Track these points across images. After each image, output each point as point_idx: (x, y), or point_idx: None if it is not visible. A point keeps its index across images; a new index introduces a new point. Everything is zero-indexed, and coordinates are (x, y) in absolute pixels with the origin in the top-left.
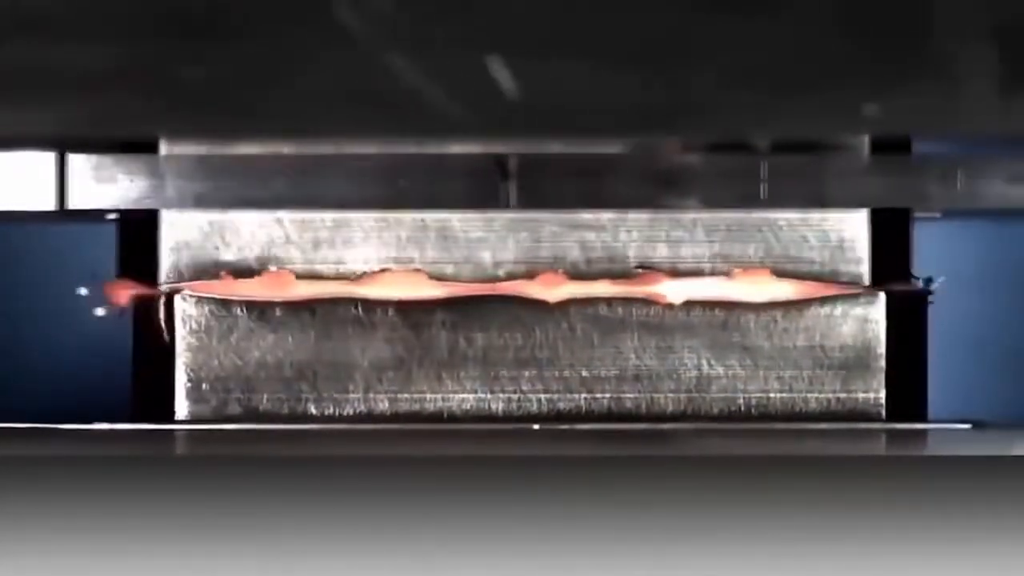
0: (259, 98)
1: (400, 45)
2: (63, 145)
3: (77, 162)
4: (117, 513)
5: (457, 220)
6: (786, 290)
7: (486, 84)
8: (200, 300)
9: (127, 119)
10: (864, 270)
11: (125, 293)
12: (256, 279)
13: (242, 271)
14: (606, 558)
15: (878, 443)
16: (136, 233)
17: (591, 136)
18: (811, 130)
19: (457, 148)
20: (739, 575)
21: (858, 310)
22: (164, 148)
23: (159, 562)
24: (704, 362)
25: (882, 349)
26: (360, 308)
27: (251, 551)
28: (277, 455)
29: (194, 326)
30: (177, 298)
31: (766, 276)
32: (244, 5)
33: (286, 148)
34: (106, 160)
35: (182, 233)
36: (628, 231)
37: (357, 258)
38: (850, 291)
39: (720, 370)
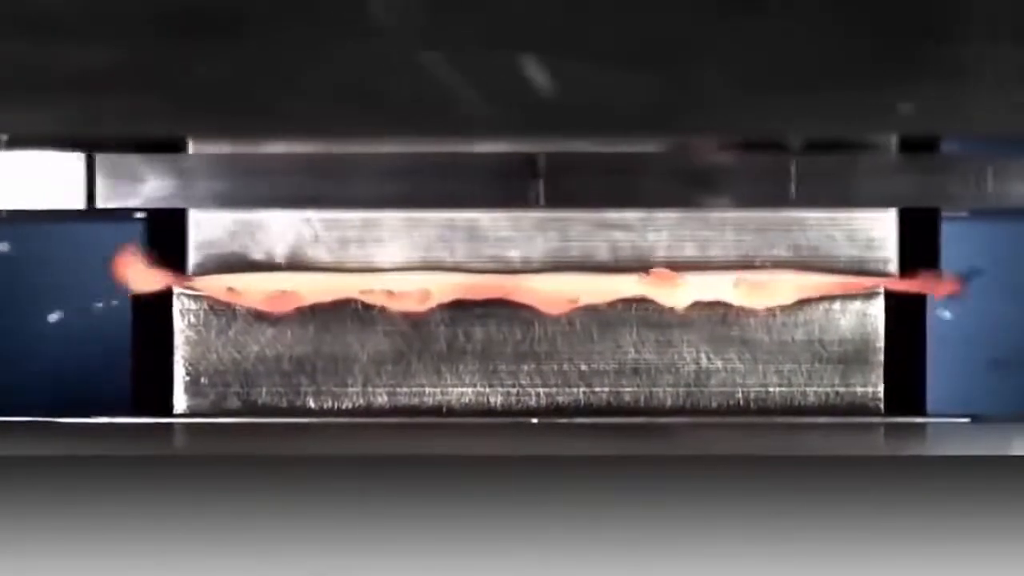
0: (283, 96)
1: (428, 43)
2: (91, 146)
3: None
4: (117, 513)
5: (487, 219)
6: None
7: (514, 82)
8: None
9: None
10: (892, 268)
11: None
12: (266, 297)
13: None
14: (606, 558)
15: (877, 437)
16: (162, 231)
17: (619, 135)
18: (837, 129)
19: (485, 147)
20: (739, 575)
21: (857, 304)
22: (192, 148)
23: (160, 561)
24: (703, 356)
25: (881, 343)
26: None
27: (251, 551)
28: (277, 454)
29: (192, 320)
30: (176, 294)
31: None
32: (259, 2)
33: (313, 147)
34: (132, 159)
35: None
36: (657, 230)
37: (384, 257)
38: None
39: (719, 364)
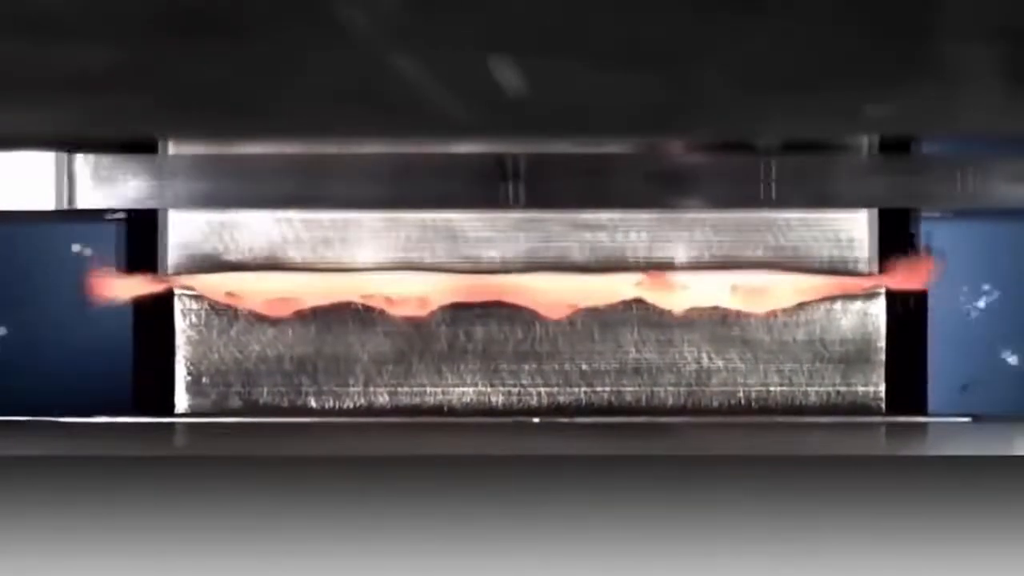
0: (261, 98)
1: (404, 45)
2: (68, 145)
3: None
4: (117, 513)
5: (462, 220)
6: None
7: (489, 84)
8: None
9: (130, 119)
10: (871, 268)
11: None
12: (263, 301)
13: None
14: (606, 558)
15: (878, 436)
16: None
17: (595, 136)
18: (815, 130)
19: (462, 148)
20: (739, 575)
21: (858, 304)
22: (167, 148)
23: (160, 561)
24: (704, 355)
25: (882, 343)
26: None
27: (251, 551)
28: (277, 454)
29: (194, 320)
30: (176, 293)
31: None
32: (245, 4)
33: (290, 148)
34: (108, 160)
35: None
36: (626, 232)
37: (362, 257)
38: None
39: (720, 363)
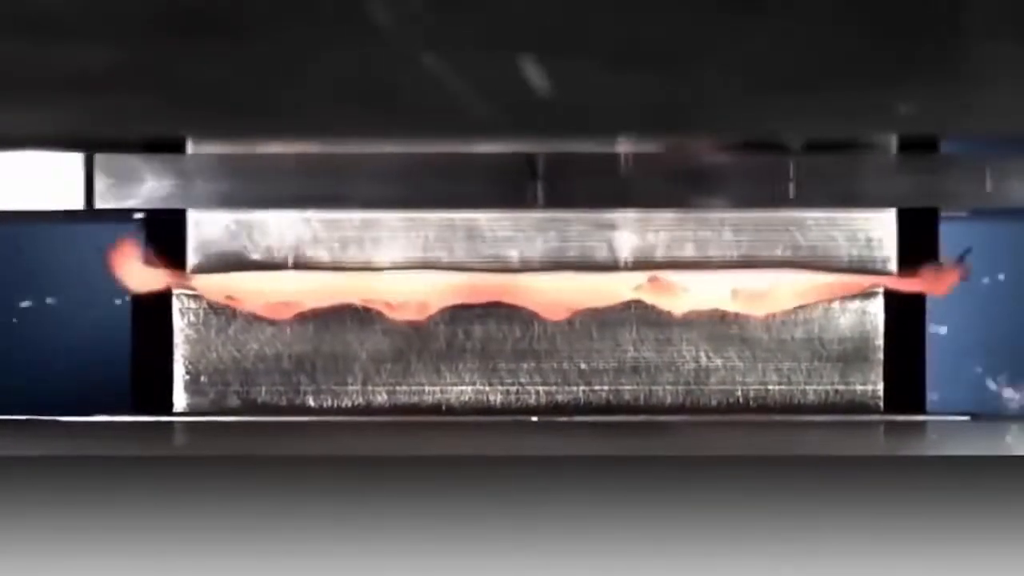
0: (280, 97)
1: (428, 43)
2: (90, 146)
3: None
4: (117, 513)
5: (485, 219)
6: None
7: (514, 83)
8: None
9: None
10: (892, 268)
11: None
12: (264, 304)
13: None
14: (606, 558)
15: (876, 436)
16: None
17: (618, 135)
18: (836, 130)
19: (485, 148)
20: (739, 575)
21: (856, 303)
22: (191, 148)
23: (160, 561)
24: (702, 354)
25: (880, 341)
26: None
27: (251, 551)
28: (277, 454)
29: (192, 319)
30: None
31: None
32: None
33: (312, 148)
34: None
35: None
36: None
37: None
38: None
39: (719, 362)
